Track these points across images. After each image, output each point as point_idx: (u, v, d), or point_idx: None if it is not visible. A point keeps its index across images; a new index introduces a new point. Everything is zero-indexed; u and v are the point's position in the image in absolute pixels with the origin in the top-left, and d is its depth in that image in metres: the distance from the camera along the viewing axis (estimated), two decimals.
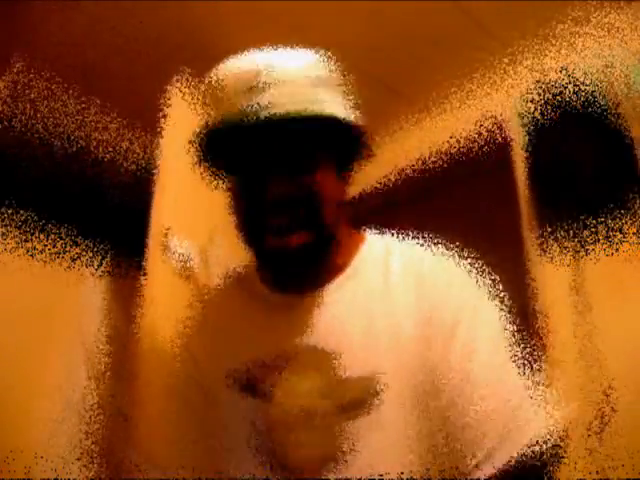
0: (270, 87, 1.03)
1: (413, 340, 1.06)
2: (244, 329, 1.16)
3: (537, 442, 0.97)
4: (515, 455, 0.96)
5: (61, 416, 2.31)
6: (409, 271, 1.13)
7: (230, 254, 2.17)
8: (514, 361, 1.05)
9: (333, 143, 1.11)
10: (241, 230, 1.12)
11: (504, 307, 1.11)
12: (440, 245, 1.19)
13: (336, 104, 1.09)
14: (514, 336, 1.08)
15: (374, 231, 1.24)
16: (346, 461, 1.03)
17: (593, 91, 2.16)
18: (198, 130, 1.11)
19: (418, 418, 1.04)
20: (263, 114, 1.01)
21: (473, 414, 0.99)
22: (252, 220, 1.07)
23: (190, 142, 1.12)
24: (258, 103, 1.01)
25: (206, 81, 1.12)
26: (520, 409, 0.99)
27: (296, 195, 1.05)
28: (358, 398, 1.04)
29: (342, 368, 1.06)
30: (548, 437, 0.98)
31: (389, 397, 1.04)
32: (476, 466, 0.97)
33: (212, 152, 1.12)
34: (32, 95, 2.56)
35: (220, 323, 1.19)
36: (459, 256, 1.17)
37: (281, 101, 1.02)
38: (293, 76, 1.06)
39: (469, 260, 1.16)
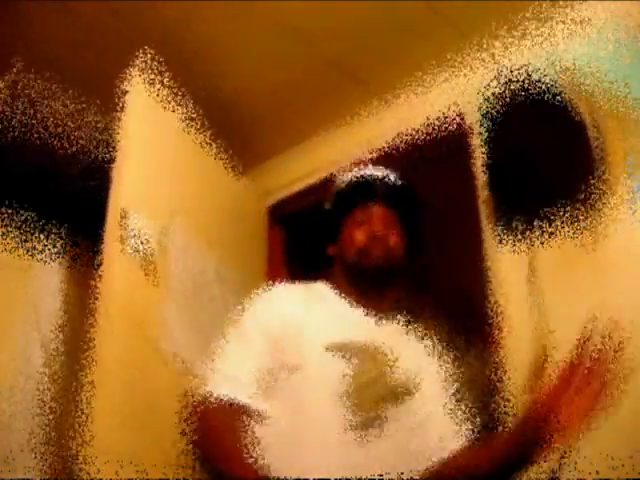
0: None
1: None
2: (335, 318, 1.58)
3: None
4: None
5: (15, 401, 2.28)
6: None
7: (190, 238, 2.16)
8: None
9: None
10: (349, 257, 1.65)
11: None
12: None
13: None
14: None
15: None
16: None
17: (552, 85, 2.19)
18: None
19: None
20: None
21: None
22: (360, 247, 1.63)
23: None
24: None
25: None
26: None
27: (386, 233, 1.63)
28: (402, 391, 1.50)
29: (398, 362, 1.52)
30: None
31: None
32: None
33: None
34: None
35: (319, 313, 1.57)
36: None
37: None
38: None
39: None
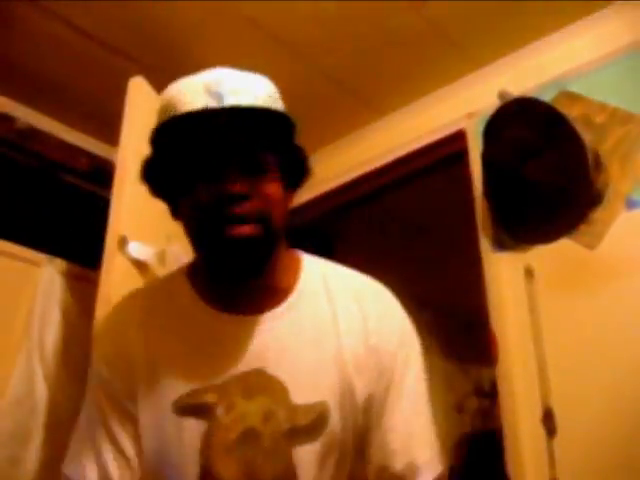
0: (230, 92, 1.06)
1: (355, 372, 1.14)
2: (189, 352, 1.15)
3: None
4: None
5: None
6: (351, 302, 1.19)
7: (187, 253, 2.18)
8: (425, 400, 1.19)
9: (279, 146, 1.13)
10: (198, 231, 1.12)
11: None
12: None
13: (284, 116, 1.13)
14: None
15: (307, 254, 1.26)
16: None
17: (548, 105, 2.22)
18: (154, 130, 1.12)
19: (346, 440, 1.13)
20: (226, 103, 1.04)
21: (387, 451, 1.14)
22: (211, 217, 1.06)
23: (149, 141, 1.14)
24: (218, 98, 1.05)
25: (164, 93, 1.14)
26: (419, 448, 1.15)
27: (249, 193, 1.06)
28: (309, 424, 1.09)
29: (292, 394, 1.10)
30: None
31: (332, 422, 1.11)
32: None
33: (167, 154, 1.12)
34: None
35: (165, 348, 1.16)
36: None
37: (240, 99, 1.06)
38: (250, 85, 1.10)
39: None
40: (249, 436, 1.08)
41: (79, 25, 2.33)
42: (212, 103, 1.04)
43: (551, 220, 2.16)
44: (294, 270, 1.21)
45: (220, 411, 1.09)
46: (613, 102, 2.15)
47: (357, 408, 1.13)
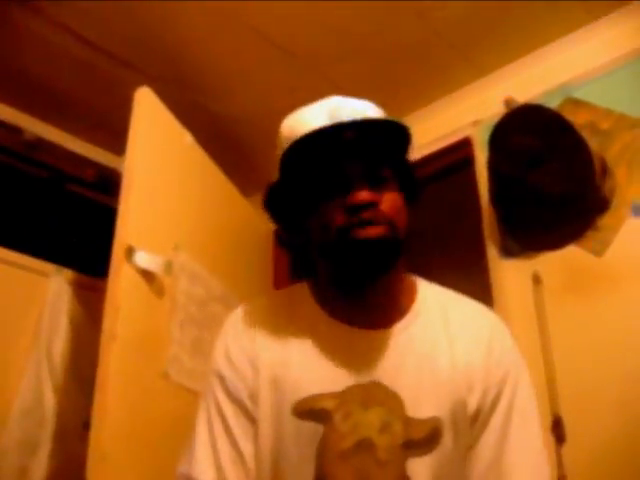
0: (349, 114, 1.13)
1: (467, 389, 1.16)
2: (311, 359, 1.18)
3: None
4: None
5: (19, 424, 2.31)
6: (468, 323, 1.23)
7: (196, 263, 2.18)
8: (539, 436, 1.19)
9: (397, 164, 1.20)
10: (329, 242, 1.14)
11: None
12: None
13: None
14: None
15: (422, 279, 1.30)
16: None
17: (554, 113, 2.22)
18: (282, 156, 1.15)
19: (460, 457, 1.16)
20: (346, 116, 1.12)
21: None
22: (342, 224, 1.10)
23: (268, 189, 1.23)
24: (339, 116, 1.13)
25: (282, 126, 1.22)
26: None
27: (376, 200, 1.11)
28: (423, 438, 1.12)
29: (407, 407, 1.13)
30: None
31: (445, 438, 1.13)
32: None
33: (295, 176, 1.18)
34: None
35: (288, 355, 1.20)
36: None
37: (359, 114, 1.14)
38: (364, 107, 1.19)
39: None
40: (364, 446, 1.10)
41: (86, 37, 2.34)
42: (333, 122, 1.11)
43: (558, 227, 2.15)
44: (411, 292, 1.25)
45: (337, 418, 1.12)
46: (619, 108, 2.15)
47: (467, 426, 1.15)
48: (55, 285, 2.56)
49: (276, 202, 1.24)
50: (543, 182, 2.17)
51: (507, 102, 2.36)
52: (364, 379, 1.15)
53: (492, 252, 2.33)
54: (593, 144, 2.12)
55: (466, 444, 1.15)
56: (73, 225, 2.81)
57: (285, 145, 1.15)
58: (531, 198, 2.20)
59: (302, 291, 1.28)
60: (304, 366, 1.17)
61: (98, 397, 1.77)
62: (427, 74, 2.59)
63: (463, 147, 2.56)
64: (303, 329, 1.22)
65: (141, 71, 2.48)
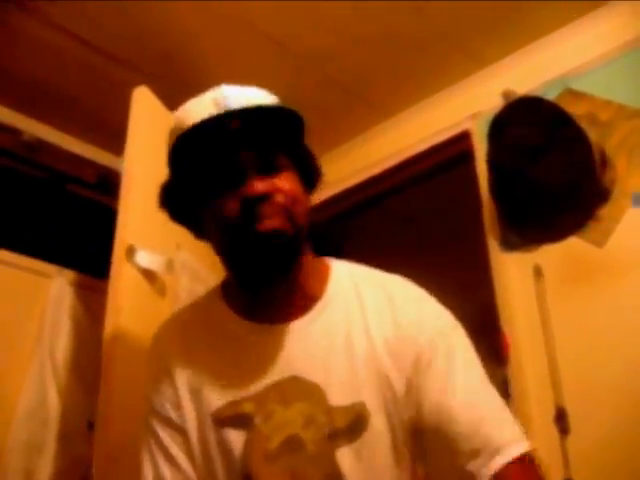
0: (236, 101, 1.08)
1: (390, 363, 1.12)
2: (225, 364, 1.17)
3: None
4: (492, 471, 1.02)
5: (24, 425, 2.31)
6: (381, 297, 1.18)
7: (197, 259, 2.18)
8: (485, 384, 1.12)
9: (290, 146, 1.15)
10: (228, 238, 1.12)
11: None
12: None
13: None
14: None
15: (334, 259, 1.26)
16: None
17: (553, 104, 2.21)
18: (169, 152, 1.14)
19: (395, 437, 1.11)
20: (234, 105, 1.07)
21: (451, 434, 1.06)
22: (239, 221, 1.07)
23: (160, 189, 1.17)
24: (226, 107, 1.07)
25: (173, 118, 1.16)
26: (494, 428, 1.06)
27: (271, 191, 1.07)
28: (349, 426, 1.09)
29: (329, 397, 1.10)
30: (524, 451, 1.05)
31: (373, 422, 1.10)
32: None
33: (185, 170, 1.14)
34: None
35: (202, 364, 1.18)
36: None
37: (247, 102, 1.08)
38: (256, 93, 1.13)
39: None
40: (292, 443, 1.09)
41: (83, 37, 2.34)
42: (220, 112, 1.07)
43: (559, 218, 2.15)
44: (323, 276, 1.21)
45: (258, 420, 1.10)
46: (618, 99, 2.15)
47: (399, 402, 1.10)
48: (57, 286, 2.56)
49: (170, 200, 1.20)
50: (543, 174, 2.17)
51: (506, 94, 2.35)
52: (281, 375, 1.12)
53: (493, 245, 2.33)
54: (592, 135, 2.12)
55: (404, 421, 1.11)
56: (74, 226, 2.81)
57: (171, 139, 1.12)
58: (531, 190, 2.20)
59: (214, 295, 1.26)
60: (218, 373, 1.16)
61: (102, 397, 1.77)
62: (425, 67, 2.57)
63: (462, 140, 2.56)
64: (214, 334, 1.20)
65: (139, 70, 2.47)
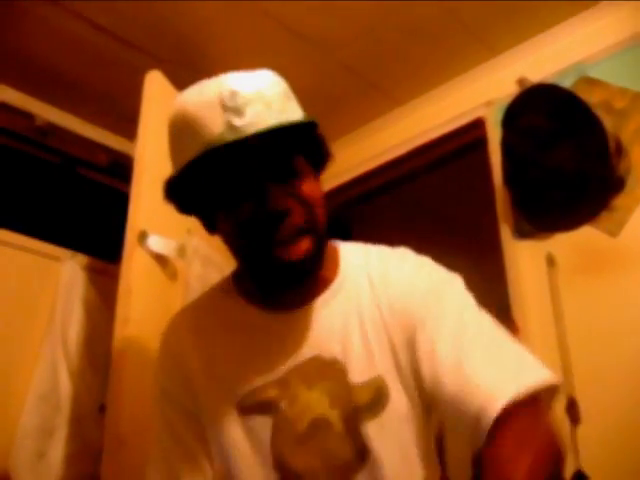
0: (245, 103, 1.03)
1: (396, 331, 1.12)
2: (243, 353, 1.16)
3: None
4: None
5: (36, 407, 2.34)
6: (385, 268, 1.19)
7: (209, 244, 2.18)
8: (482, 330, 1.09)
9: (305, 146, 1.12)
10: (246, 250, 1.11)
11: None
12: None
13: (298, 110, 1.12)
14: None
15: (344, 242, 1.26)
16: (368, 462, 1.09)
17: (568, 92, 2.20)
18: (177, 168, 1.10)
19: (414, 406, 1.12)
20: (248, 132, 1.01)
21: (442, 404, 1.04)
22: (257, 238, 1.06)
23: (168, 184, 1.12)
24: (237, 124, 1.02)
25: (172, 115, 1.12)
26: (481, 385, 0.99)
27: (290, 206, 1.05)
28: (371, 400, 1.10)
29: (349, 375, 1.11)
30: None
31: (393, 394, 1.10)
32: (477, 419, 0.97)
33: (195, 188, 1.11)
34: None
35: (220, 354, 1.18)
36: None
37: (257, 118, 1.02)
38: (261, 92, 1.07)
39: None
40: (319, 424, 1.10)
41: (95, 22, 2.33)
42: (232, 120, 1.02)
43: (572, 207, 2.14)
44: (333, 260, 1.21)
45: (284, 405, 1.11)
46: (634, 87, 2.13)
47: (407, 371, 1.10)
48: (69, 270, 2.57)
49: (178, 196, 1.16)
50: (557, 162, 2.15)
51: (520, 82, 2.34)
52: (302, 358, 1.13)
53: (506, 233, 2.32)
54: (608, 123, 2.10)
55: (422, 394, 1.10)
56: (86, 210, 2.82)
57: (180, 137, 1.09)
58: (545, 178, 2.19)
59: (225, 286, 1.26)
60: (237, 362, 1.16)
61: (113, 381, 1.78)
62: (440, 55, 2.56)
63: (476, 128, 2.55)
64: (229, 324, 1.20)
65: (151, 54, 2.47)
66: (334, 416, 1.10)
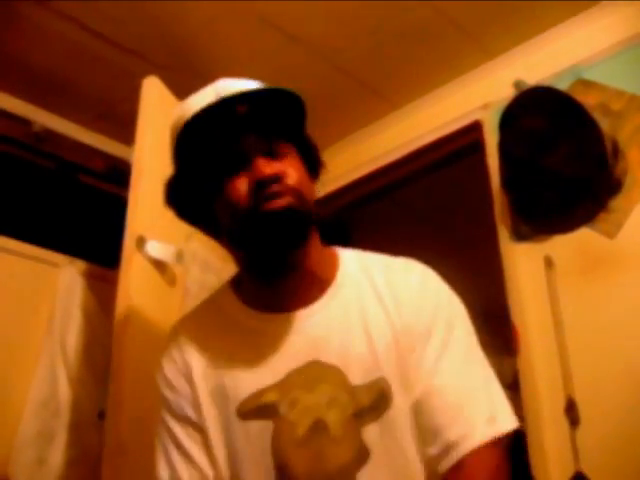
0: (235, 88, 1.10)
1: (399, 343, 1.13)
2: (243, 358, 1.16)
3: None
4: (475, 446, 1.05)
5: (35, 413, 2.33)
6: (389, 277, 1.19)
7: (208, 249, 2.18)
8: (481, 367, 1.17)
9: (295, 137, 1.16)
10: (236, 221, 1.11)
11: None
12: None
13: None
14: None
15: (340, 248, 1.27)
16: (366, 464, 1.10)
17: (565, 94, 2.20)
18: (174, 143, 1.15)
19: (411, 413, 1.12)
20: (234, 90, 1.08)
21: (437, 415, 1.10)
22: (250, 202, 1.08)
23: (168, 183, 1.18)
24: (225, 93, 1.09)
25: (172, 122, 1.16)
26: (454, 419, 1.08)
27: (280, 174, 1.08)
28: (373, 403, 1.11)
29: (350, 377, 1.11)
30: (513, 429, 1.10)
31: (395, 397, 1.11)
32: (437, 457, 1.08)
33: (191, 159, 1.14)
34: None
35: (220, 360, 1.18)
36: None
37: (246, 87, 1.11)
38: (254, 85, 1.13)
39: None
40: (319, 426, 1.10)
41: (92, 27, 2.33)
42: (222, 94, 1.09)
43: (570, 209, 2.14)
44: (332, 263, 1.22)
45: (284, 408, 1.11)
46: (631, 89, 2.13)
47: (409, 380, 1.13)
48: (67, 276, 2.57)
49: (178, 195, 1.20)
50: (554, 164, 2.15)
51: (517, 84, 2.34)
52: (302, 361, 1.13)
53: (504, 236, 2.32)
54: (604, 125, 2.11)
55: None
56: (84, 216, 2.81)
57: (175, 131, 1.13)
58: (542, 181, 2.19)
59: (225, 291, 1.26)
60: (237, 367, 1.16)
61: (113, 387, 1.78)
62: (436, 58, 2.56)
63: (473, 130, 2.55)
64: (229, 329, 1.21)
65: (148, 60, 2.47)
66: (334, 419, 1.10)
